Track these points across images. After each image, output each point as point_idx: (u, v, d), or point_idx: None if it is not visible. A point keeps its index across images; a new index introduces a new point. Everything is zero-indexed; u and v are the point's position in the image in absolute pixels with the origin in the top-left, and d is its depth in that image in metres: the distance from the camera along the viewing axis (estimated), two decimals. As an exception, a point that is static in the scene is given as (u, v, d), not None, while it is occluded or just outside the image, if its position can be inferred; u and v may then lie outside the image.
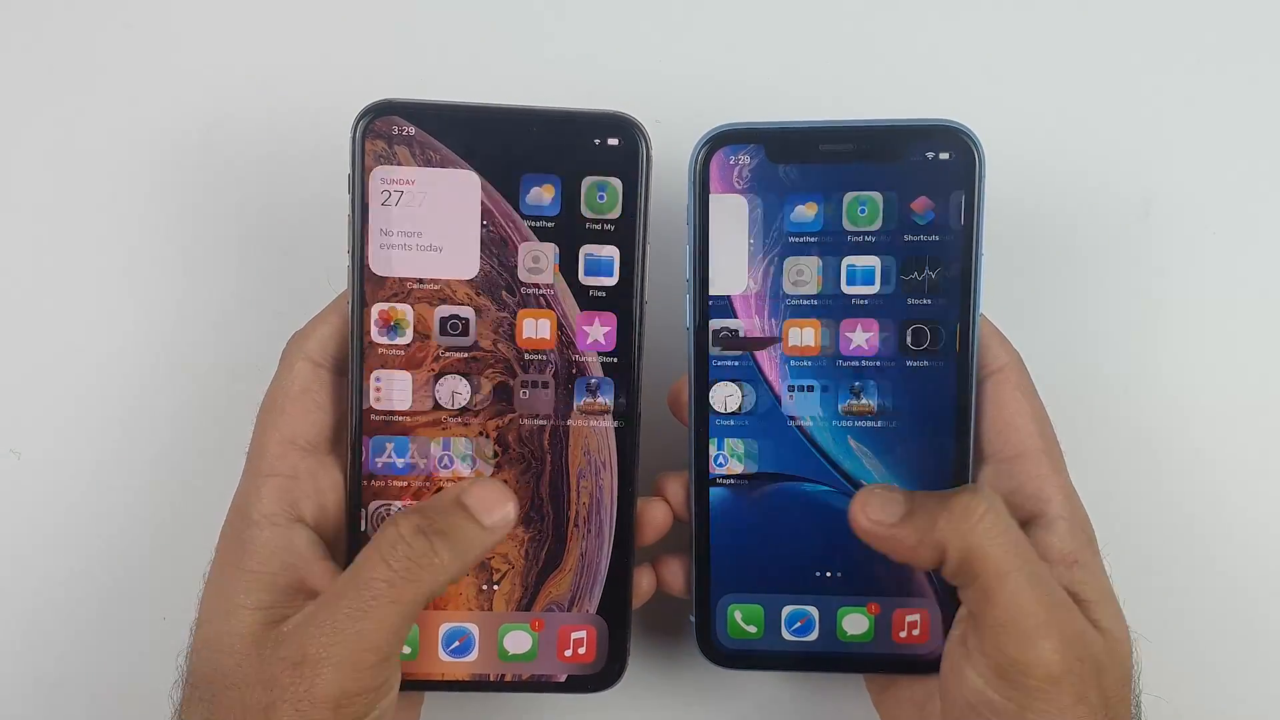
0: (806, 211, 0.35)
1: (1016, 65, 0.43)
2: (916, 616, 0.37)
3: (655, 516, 0.37)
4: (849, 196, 0.35)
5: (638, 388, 0.36)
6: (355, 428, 0.35)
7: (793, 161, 0.35)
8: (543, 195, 0.34)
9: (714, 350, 0.36)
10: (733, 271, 0.36)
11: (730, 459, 0.37)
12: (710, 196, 0.35)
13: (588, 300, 0.35)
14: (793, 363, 0.36)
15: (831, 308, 0.36)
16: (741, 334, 0.36)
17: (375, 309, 0.34)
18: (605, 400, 0.35)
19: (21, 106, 0.42)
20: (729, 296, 0.36)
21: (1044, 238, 0.42)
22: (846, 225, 0.35)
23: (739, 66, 0.43)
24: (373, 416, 0.35)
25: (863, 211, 0.35)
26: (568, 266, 0.35)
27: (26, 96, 0.42)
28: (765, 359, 0.36)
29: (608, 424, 0.35)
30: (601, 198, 0.34)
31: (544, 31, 0.43)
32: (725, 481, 0.37)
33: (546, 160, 0.34)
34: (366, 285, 0.34)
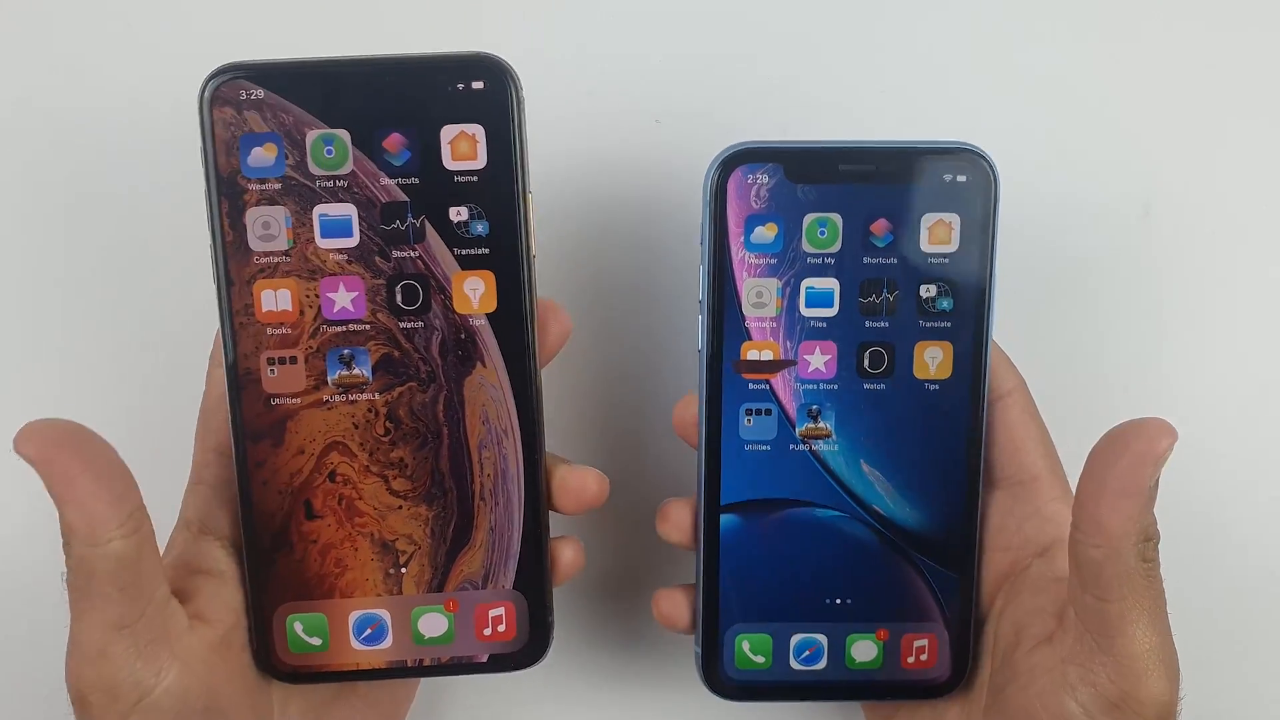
0: (825, 233, 0.34)
1: (1015, 66, 0.41)
2: (925, 641, 0.36)
3: (587, 484, 0.34)
4: (866, 218, 0.34)
5: (532, 350, 0.33)
6: (236, 416, 0.33)
7: (811, 181, 0.33)
8: (404, 150, 0.32)
9: (727, 374, 0.34)
10: (748, 293, 0.34)
11: (742, 485, 0.35)
12: (727, 215, 0.33)
13: (464, 259, 0.33)
14: (808, 386, 0.34)
15: (847, 330, 0.34)
16: (756, 357, 0.34)
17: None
18: (497, 364, 0.33)
19: (21, 106, 0.41)
20: (744, 318, 0.34)
21: (1043, 239, 0.41)
22: (863, 247, 0.34)
23: (740, 65, 0.41)
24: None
25: (879, 234, 0.34)
26: (441, 225, 0.32)
27: (26, 96, 0.41)
28: (780, 382, 0.34)
29: (505, 389, 0.33)
30: (465, 148, 0.32)
31: (544, 28, 0.41)
32: (736, 508, 0.35)
33: (406, 112, 0.31)
34: (230, 263, 0.32)
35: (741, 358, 0.34)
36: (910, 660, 0.36)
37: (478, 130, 0.32)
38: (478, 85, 0.32)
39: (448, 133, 0.32)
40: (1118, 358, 0.42)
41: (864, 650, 0.36)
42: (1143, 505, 0.29)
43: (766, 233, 0.34)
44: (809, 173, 0.33)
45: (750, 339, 0.34)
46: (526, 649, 0.35)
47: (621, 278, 0.41)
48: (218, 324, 0.33)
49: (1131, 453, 0.29)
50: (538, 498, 0.34)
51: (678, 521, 0.36)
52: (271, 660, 0.34)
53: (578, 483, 0.34)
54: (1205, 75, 0.41)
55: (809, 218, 0.34)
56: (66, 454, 0.29)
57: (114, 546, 0.29)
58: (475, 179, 0.32)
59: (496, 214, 0.32)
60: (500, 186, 0.32)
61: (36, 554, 0.41)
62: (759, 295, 0.34)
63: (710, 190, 0.34)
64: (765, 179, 0.33)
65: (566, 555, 0.35)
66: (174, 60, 0.40)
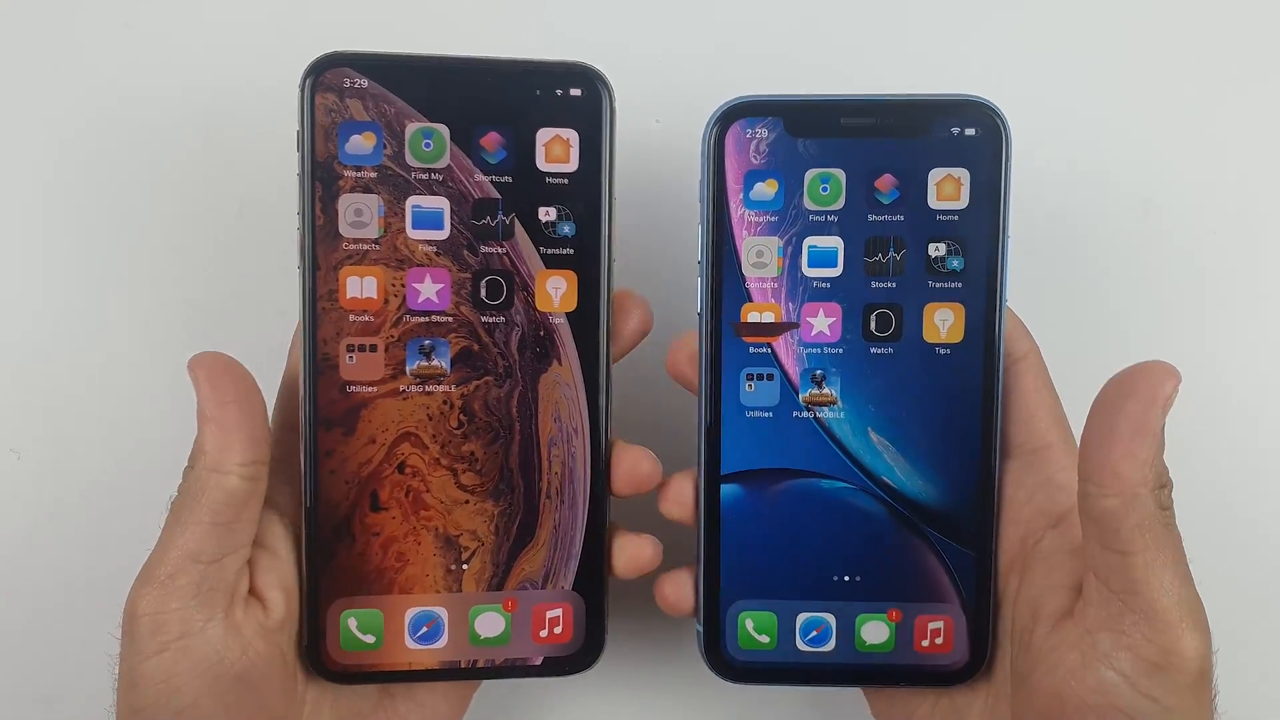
0: (828, 189, 0.33)
1: (1015, 65, 0.42)
2: (940, 624, 0.34)
3: (639, 464, 0.34)
4: (870, 174, 0.33)
5: (607, 350, 0.34)
6: (309, 401, 0.33)
7: (813, 136, 0.33)
8: (500, 148, 0.33)
9: (726, 336, 0.34)
10: (748, 252, 0.33)
11: (743, 454, 0.34)
12: (726, 172, 0.33)
13: (549, 259, 0.33)
14: (811, 350, 0.34)
15: (852, 291, 0.33)
16: (757, 320, 0.34)
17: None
18: (572, 363, 0.34)
19: (22, 106, 0.41)
20: (744, 279, 0.33)
21: (1042, 237, 0.42)
22: (868, 204, 0.33)
23: (741, 61, 0.42)
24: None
25: (884, 190, 0.33)
26: (530, 224, 0.33)
27: (27, 96, 0.41)
28: (782, 346, 0.34)
29: (579, 387, 0.34)
30: (558, 151, 0.33)
31: (542, 21, 0.42)
32: (737, 478, 0.34)
33: (504, 112, 0.33)
34: (319, 248, 0.32)
35: (742, 320, 0.33)
36: (924, 644, 0.34)
37: (572, 135, 0.33)
38: (575, 92, 0.33)
39: (543, 135, 0.33)
40: (1117, 358, 0.42)
41: (875, 632, 0.34)
42: (1156, 449, 0.28)
43: (766, 189, 0.33)
44: (810, 126, 0.33)
45: (751, 300, 0.33)
46: (581, 652, 0.35)
47: (626, 269, 0.41)
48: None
49: (1139, 395, 0.28)
50: (602, 498, 0.34)
51: (678, 496, 0.34)
52: (321, 659, 0.33)
53: (634, 461, 0.34)
54: (1206, 75, 0.42)
55: (811, 173, 0.33)
56: (229, 383, 0.30)
57: (230, 480, 0.30)
58: (566, 181, 0.33)
59: (583, 216, 0.33)
60: (589, 190, 0.33)
61: (37, 554, 0.41)
62: (759, 255, 0.33)
63: (708, 146, 0.33)
64: (765, 133, 0.33)
65: (647, 553, 0.34)
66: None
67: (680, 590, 0.35)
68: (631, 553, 0.34)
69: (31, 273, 0.41)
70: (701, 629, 0.35)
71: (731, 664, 0.35)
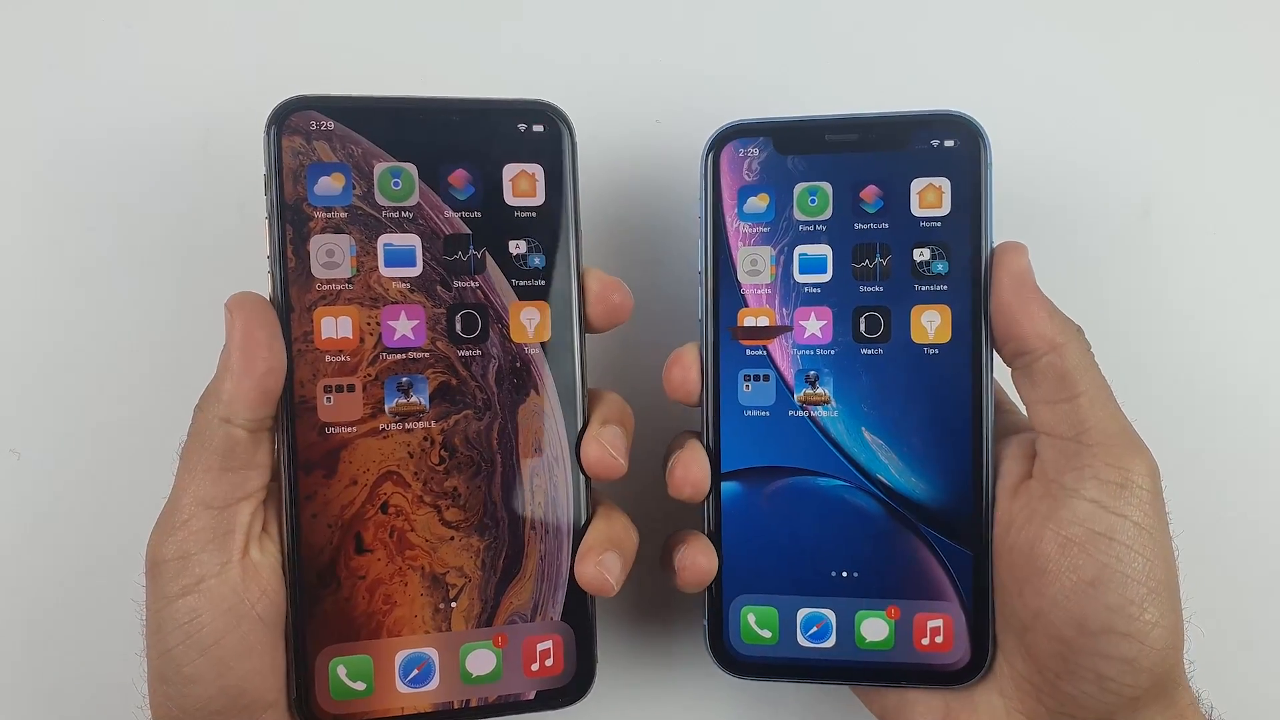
0: (816, 201, 0.35)
1: (1017, 65, 0.43)
2: (939, 622, 0.35)
3: (603, 459, 0.34)
4: (855, 185, 0.35)
5: (583, 377, 0.34)
6: (288, 446, 0.32)
7: (800, 152, 0.35)
8: (468, 185, 0.33)
9: (724, 340, 0.35)
10: (743, 261, 0.35)
11: (742, 452, 0.35)
12: (721, 188, 0.35)
13: (522, 290, 0.34)
14: (805, 352, 0.35)
15: (842, 295, 0.35)
16: (753, 324, 0.35)
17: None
18: (550, 392, 0.34)
19: (22, 106, 0.41)
20: (740, 285, 0.35)
21: (1043, 238, 0.41)
22: (854, 213, 0.35)
23: (739, 66, 0.43)
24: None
25: (869, 200, 0.35)
26: (501, 257, 0.34)
27: (27, 96, 0.41)
28: (777, 348, 0.35)
29: (557, 416, 0.34)
30: (525, 185, 0.34)
31: (542, 30, 0.42)
32: (737, 476, 0.35)
33: (471, 150, 0.33)
34: (292, 290, 0.32)
35: (738, 324, 0.35)
36: (924, 642, 0.35)
37: (537, 170, 0.34)
38: (538, 128, 0.34)
39: (509, 171, 0.34)
40: (1116, 359, 0.41)
41: (874, 629, 0.35)
42: (1052, 304, 0.34)
43: (759, 203, 0.35)
44: (798, 144, 0.35)
45: (746, 306, 0.35)
46: (573, 684, 0.34)
47: (627, 269, 0.42)
48: None
49: (1011, 275, 0.33)
50: (585, 526, 0.34)
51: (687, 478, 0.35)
52: (311, 710, 0.32)
53: (595, 457, 0.34)
54: (1205, 76, 0.42)
55: (799, 187, 0.35)
56: (263, 334, 0.31)
57: (237, 431, 0.31)
58: (534, 215, 0.34)
59: (552, 248, 0.34)
60: (556, 222, 0.34)
61: (37, 553, 0.41)
62: (753, 263, 0.35)
63: (705, 166, 0.35)
64: (756, 152, 0.35)
65: (701, 561, 0.35)
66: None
67: (705, 556, 0.35)
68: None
69: (31, 271, 0.41)
70: (707, 623, 0.36)
71: (735, 658, 0.36)
